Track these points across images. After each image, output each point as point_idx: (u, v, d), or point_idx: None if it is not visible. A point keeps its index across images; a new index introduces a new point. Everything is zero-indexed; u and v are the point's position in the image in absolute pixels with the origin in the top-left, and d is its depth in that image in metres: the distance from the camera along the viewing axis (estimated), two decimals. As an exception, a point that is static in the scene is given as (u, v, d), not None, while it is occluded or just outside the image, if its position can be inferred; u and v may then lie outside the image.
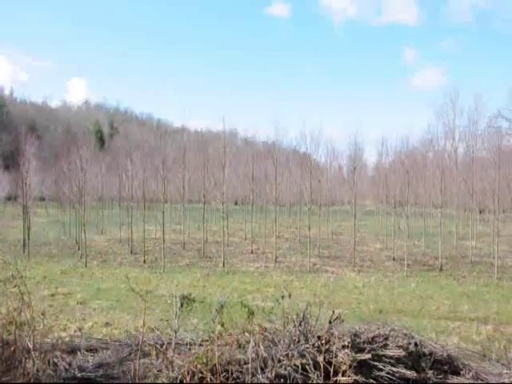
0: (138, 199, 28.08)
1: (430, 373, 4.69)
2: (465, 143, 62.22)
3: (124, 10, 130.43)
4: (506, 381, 4.64)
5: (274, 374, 4.26)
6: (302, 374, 4.29)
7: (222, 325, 4.98)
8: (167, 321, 5.39)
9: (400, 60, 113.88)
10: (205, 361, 4.45)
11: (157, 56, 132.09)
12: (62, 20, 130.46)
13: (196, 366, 4.43)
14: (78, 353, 5.07)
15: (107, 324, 9.79)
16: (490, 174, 27.67)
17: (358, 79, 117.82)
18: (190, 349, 4.95)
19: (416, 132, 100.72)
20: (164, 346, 4.73)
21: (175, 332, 4.93)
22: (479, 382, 4.68)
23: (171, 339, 4.90)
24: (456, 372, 4.90)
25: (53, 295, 13.32)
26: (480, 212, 40.53)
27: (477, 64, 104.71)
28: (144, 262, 20.42)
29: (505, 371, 5.07)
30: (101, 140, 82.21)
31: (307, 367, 4.30)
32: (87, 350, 5.20)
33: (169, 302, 5.66)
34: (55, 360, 4.59)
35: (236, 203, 48.16)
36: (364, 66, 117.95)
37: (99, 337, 7.58)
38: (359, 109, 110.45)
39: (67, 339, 6.00)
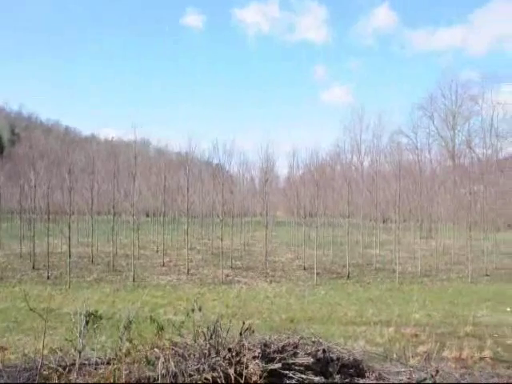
0: (42, 211, 26.37)
1: (337, 377, 4.87)
2: (370, 157, 66.46)
3: (32, 11, 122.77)
4: (404, 378, 4.96)
5: (184, 390, 4.19)
6: (213, 387, 4.26)
7: (131, 341, 4.81)
8: (71, 341, 5.09)
9: (310, 76, 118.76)
10: (112, 380, 4.26)
11: (66, 61, 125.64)
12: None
13: (102, 386, 4.23)
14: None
15: (2, 349, 8.97)
16: (391, 185, 29.67)
17: (270, 93, 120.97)
18: (95, 369, 4.72)
19: (325, 145, 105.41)
20: (67, 368, 4.46)
21: (79, 352, 4.67)
22: (381, 381, 4.94)
23: (75, 360, 4.63)
24: (361, 374, 5.14)
25: None
26: (383, 221, 43.21)
27: (379, 83, 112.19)
28: (48, 278, 19.16)
29: (403, 369, 5.44)
30: (-1, 146, 76.36)
31: (218, 380, 4.27)
32: (-23, 379, 4.75)
33: (73, 320, 5.36)
34: None
35: (147, 215, 46.97)
36: (276, 80, 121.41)
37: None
38: (272, 121, 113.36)
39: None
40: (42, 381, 4.33)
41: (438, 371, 5.14)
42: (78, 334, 4.80)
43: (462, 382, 6.38)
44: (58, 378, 4.27)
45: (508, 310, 13.86)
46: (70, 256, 19.19)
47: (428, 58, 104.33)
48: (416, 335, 10.47)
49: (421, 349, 8.91)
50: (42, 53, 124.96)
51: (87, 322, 4.93)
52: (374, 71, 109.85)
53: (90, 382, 4.18)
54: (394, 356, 7.51)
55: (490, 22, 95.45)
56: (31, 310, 5.53)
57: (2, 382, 4.58)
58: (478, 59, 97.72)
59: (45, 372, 4.41)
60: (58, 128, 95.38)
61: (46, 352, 5.38)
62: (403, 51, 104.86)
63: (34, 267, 21.73)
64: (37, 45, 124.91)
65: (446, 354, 8.71)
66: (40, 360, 4.50)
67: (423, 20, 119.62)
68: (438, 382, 4.93)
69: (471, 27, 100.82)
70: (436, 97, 64.90)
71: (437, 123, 65.46)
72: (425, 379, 4.95)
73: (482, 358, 8.62)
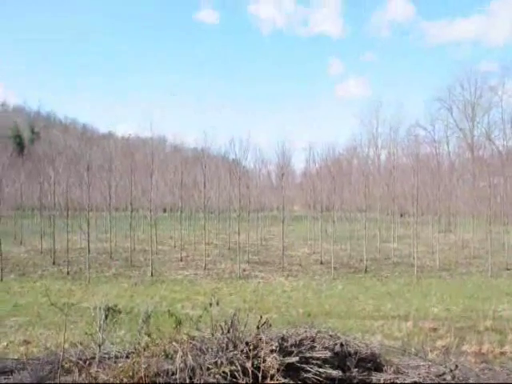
0: (62, 208, 26.76)
1: (354, 371, 4.87)
2: (387, 150, 65.84)
3: (45, 11, 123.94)
4: (422, 372, 4.93)
5: (202, 383, 4.23)
6: (230, 381, 4.29)
7: (149, 335, 4.87)
8: (91, 335, 5.17)
9: (326, 70, 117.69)
10: (131, 374, 4.32)
11: (82, 59, 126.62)
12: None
13: (122, 379, 4.29)
14: (-10, 376, 4.73)
15: (25, 342, 9.17)
16: (409, 179, 29.35)
17: (286, 88, 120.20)
18: (115, 362, 4.79)
19: (341, 139, 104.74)
20: (87, 362, 4.54)
21: (99, 346, 4.74)
22: (399, 375, 4.92)
23: (95, 354, 4.71)
24: (379, 368, 5.12)
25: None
26: (401, 215, 42.86)
27: (396, 76, 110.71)
28: (68, 273, 19.47)
29: (421, 363, 5.40)
30: (20, 145, 77.49)
31: (236, 374, 4.30)
32: (1, 373, 4.86)
33: (92, 314, 5.44)
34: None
35: (165, 210, 47.33)
36: (292, 74, 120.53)
37: (16, 357, 7.12)
38: (287, 117, 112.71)
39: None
40: (64, 373, 4.42)
41: (457, 366, 5.10)
42: (97, 328, 4.88)
43: (482, 377, 6.32)
44: (79, 370, 4.35)
45: (529, 304, 13.64)
46: (89, 251, 19.47)
47: (445, 49, 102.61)
48: (434, 329, 10.37)
49: (439, 343, 8.85)
50: (58, 52, 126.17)
51: (106, 317, 5.01)
52: (391, 64, 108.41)
53: (109, 374, 4.24)
54: (412, 350, 7.46)
55: (509, 11, 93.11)
56: (52, 304, 5.63)
57: (26, 374, 4.69)
58: (497, 49, 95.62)
59: (66, 365, 4.50)
60: (75, 126, 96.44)
61: (66, 346, 5.49)
62: (420, 43, 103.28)
63: (54, 263, 22.10)
64: (52, 44, 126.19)
65: (465, 348, 8.62)
66: (61, 353, 4.59)
67: (440, 11, 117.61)
68: (457, 376, 4.89)
69: (489, 17, 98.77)
70: (454, 88, 63.88)
71: (455, 115, 64.49)
72: (444, 373, 4.91)
73: (502, 353, 8.51)
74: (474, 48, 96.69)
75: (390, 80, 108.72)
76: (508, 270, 21.08)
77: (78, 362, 4.46)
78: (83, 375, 4.35)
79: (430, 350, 7.92)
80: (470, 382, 5.12)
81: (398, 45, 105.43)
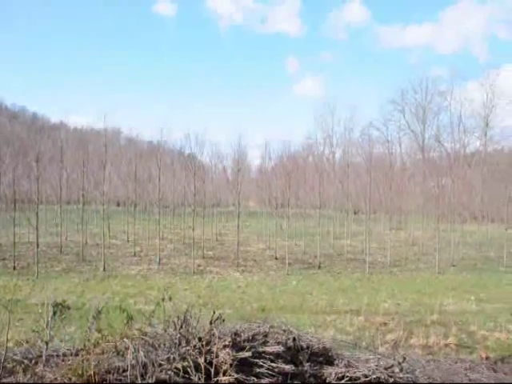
0: (8, 200, 25.68)
1: (307, 365, 4.92)
2: (341, 149, 67.22)
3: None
4: (372, 365, 5.05)
5: (154, 380, 4.15)
6: (183, 377, 4.24)
7: (100, 332, 4.74)
8: (38, 332, 4.97)
9: (284, 68, 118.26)
10: (80, 372, 4.19)
11: (35, 47, 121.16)
12: None
13: (70, 378, 4.15)
14: None
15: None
16: (362, 178, 30.10)
17: (244, 84, 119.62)
18: (63, 360, 4.64)
19: (297, 137, 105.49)
20: (33, 361, 4.36)
21: (46, 343, 4.57)
22: (350, 369, 5.02)
23: (42, 352, 4.53)
24: (331, 362, 5.20)
25: None
26: (354, 213, 43.84)
27: (351, 77, 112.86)
28: (14, 268, 18.69)
29: (371, 357, 5.54)
30: (-39, 133, 73.69)
31: (188, 369, 4.26)
32: None
33: (40, 311, 5.24)
34: None
35: (118, 204, 46.29)
36: (250, 71, 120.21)
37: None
38: (245, 113, 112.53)
39: None
40: (6, 374, 4.21)
41: (405, 358, 5.26)
42: (45, 325, 4.70)
43: (427, 368, 6.57)
44: (24, 370, 4.17)
45: (472, 298, 14.30)
46: (38, 245, 18.77)
47: (399, 53, 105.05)
48: (385, 324, 10.69)
49: (389, 337, 9.12)
50: (10, 36, 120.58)
51: (55, 313, 4.83)
52: (347, 65, 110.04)
53: (57, 373, 4.10)
54: (364, 344, 7.66)
55: (459, 20, 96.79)
56: (-4, 300, 5.37)
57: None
58: (446, 56, 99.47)
59: (9, 365, 4.30)
60: (24, 114, 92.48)
61: (11, 344, 5.26)
62: (375, 46, 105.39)
63: (-1, 257, 21.18)
64: (3, 27, 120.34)
65: (413, 341, 8.94)
66: (4, 353, 4.38)
67: (394, 16, 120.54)
68: (404, 368, 5.05)
69: (439, 25, 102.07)
70: (407, 92, 66.16)
71: (407, 117, 66.81)
72: (392, 366, 5.05)
73: (446, 345, 8.90)
74: (425, 53, 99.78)
75: (346, 80, 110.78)
76: (454, 266, 22.02)
77: (23, 361, 4.28)
78: (28, 375, 4.17)
79: (381, 344, 8.15)
80: (417, 373, 5.29)
81: (353, 47, 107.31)
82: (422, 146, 63.34)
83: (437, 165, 34.59)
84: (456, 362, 7.32)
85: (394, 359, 5.27)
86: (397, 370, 5.03)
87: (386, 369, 5.02)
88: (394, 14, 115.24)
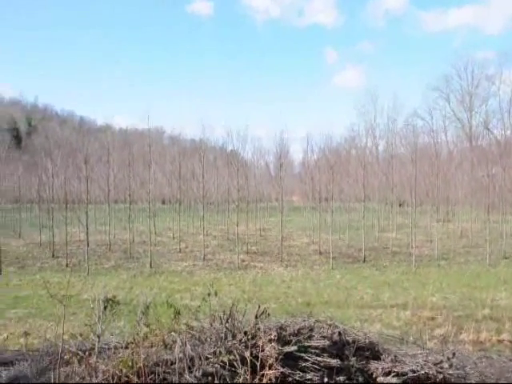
0: (60, 200, 26.76)
1: (353, 360, 4.88)
2: (385, 140, 65.87)
3: (41, 2, 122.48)
4: (420, 360, 4.95)
5: (201, 373, 4.25)
6: (229, 370, 4.32)
7: (148, 326, 4.88)
8: (90, 326, 5.18)
9: (323, 60, 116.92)
10: (130, 364, 4.34)
11: (79, 52, 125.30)
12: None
13: (121, 369, 4.31)
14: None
15: (25, 334, 9.19)
16: (407, 169, 29.37)
17: (282, 78, 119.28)
18: (114, 353, 4.81)
19: (339, 129, 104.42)
20: (87, 352, 4.55)
21: (98, 337, 4.75)
22: (397, 364, 4.95)
23: (94, 344, 4.73)
24: (377, 357, 5.14)
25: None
26: (399, 205, 42.95)
27: (392, 65, 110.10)
28: (67, 265, 19.51)
29: (419, 352, 5.42)
30: (17, 138, 77.19)
31: (234, 363, 4.33)
32: (1, 364, 4.88)
33: (92, 306, 5.45)
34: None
35: (163, 202, 47.31)
36: (288, 65, 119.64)
37: (16, 348, 7.14)
38: (285, 107, 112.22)
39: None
40: (63, 364, 4.44)
41: (454, 354, 5.12)
42: (96, 320, 4.88)
43: (479, 365, 6.36)
44: (79, 361, 4.37)
45: (527, 292, 13.71)
46: (88, 244, 19.50)
47: (441, 37, 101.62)
48: (433, 318, 10.42)
49: (437, 332, 8.89)
50: (54, 45, 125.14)
51: (105, 308, 5.00)
52: (387, 53, 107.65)
53: (109, 365, 4.26)
54: (411, 339, 7.50)
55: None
56: (51, 296, 5.62)
57: (26, 365, 4.71)
58: (493, 38, 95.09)
59: (65, 356, 4.52)
60: (72, 119, 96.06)
61: (66, 337, 5.50)
62: (416, 32, 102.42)
63: (53, 255, 22.15)
64: (49, 37, 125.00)
65: (463, 336, 8.67)
66: (61, 344, 4.60)
67: (432, 1, 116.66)
68: (454, 364, 4.92)
69: (483, 6, 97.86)
70: (451, 78, 63.85)
71: (453, 105, 64.53)
72: (441, 362, 4.94)
73: (500, 341, 8.57)
74: (470, 36, 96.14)
75: (387, 69, 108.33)
76: (506, 258, 21.18)
77: (78, 353, 4.48)
78: (83, 366, 4.37)
79: (428, 339, 7.95)
80: (467, 369, 5.15)
81: (393, 34, 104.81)
82: (470, 133, 61.11)
83: (486, 153, 33.21)
84: (511, 360, 7.04)
85: (443, 355, 5.14)
86: (446, 365, 4.91)
87: (434, 364, 4.91)
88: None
